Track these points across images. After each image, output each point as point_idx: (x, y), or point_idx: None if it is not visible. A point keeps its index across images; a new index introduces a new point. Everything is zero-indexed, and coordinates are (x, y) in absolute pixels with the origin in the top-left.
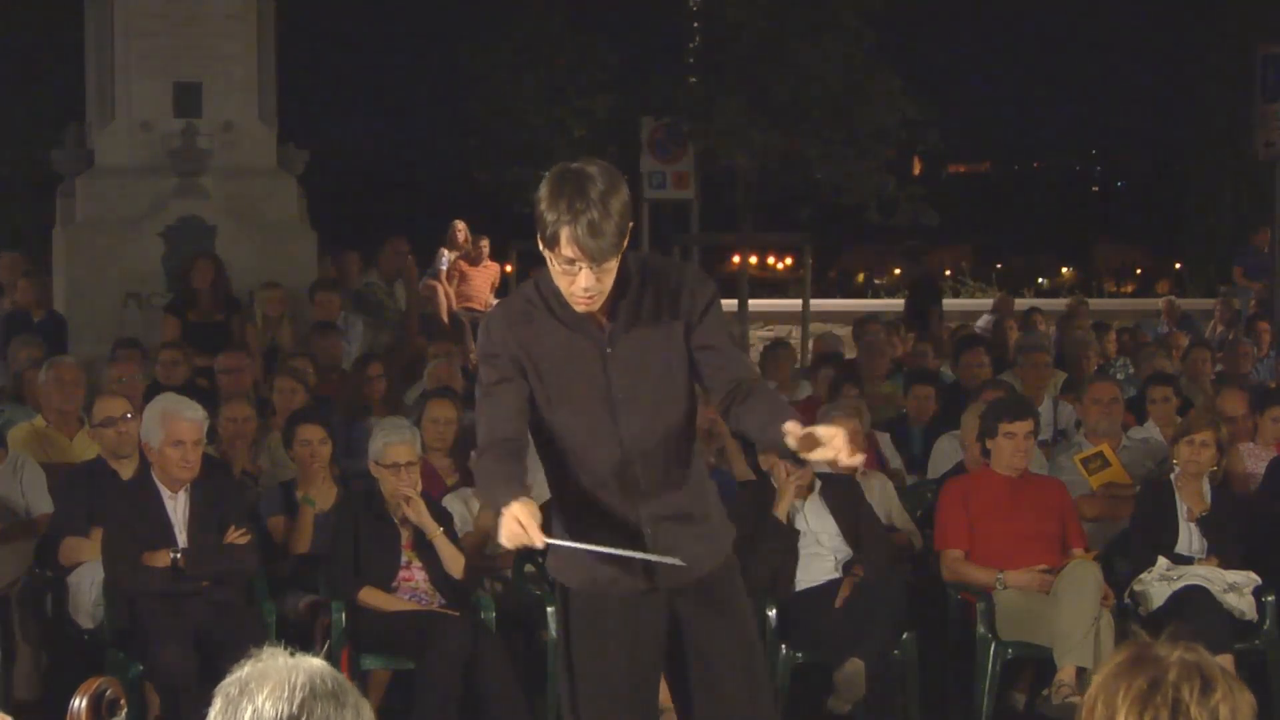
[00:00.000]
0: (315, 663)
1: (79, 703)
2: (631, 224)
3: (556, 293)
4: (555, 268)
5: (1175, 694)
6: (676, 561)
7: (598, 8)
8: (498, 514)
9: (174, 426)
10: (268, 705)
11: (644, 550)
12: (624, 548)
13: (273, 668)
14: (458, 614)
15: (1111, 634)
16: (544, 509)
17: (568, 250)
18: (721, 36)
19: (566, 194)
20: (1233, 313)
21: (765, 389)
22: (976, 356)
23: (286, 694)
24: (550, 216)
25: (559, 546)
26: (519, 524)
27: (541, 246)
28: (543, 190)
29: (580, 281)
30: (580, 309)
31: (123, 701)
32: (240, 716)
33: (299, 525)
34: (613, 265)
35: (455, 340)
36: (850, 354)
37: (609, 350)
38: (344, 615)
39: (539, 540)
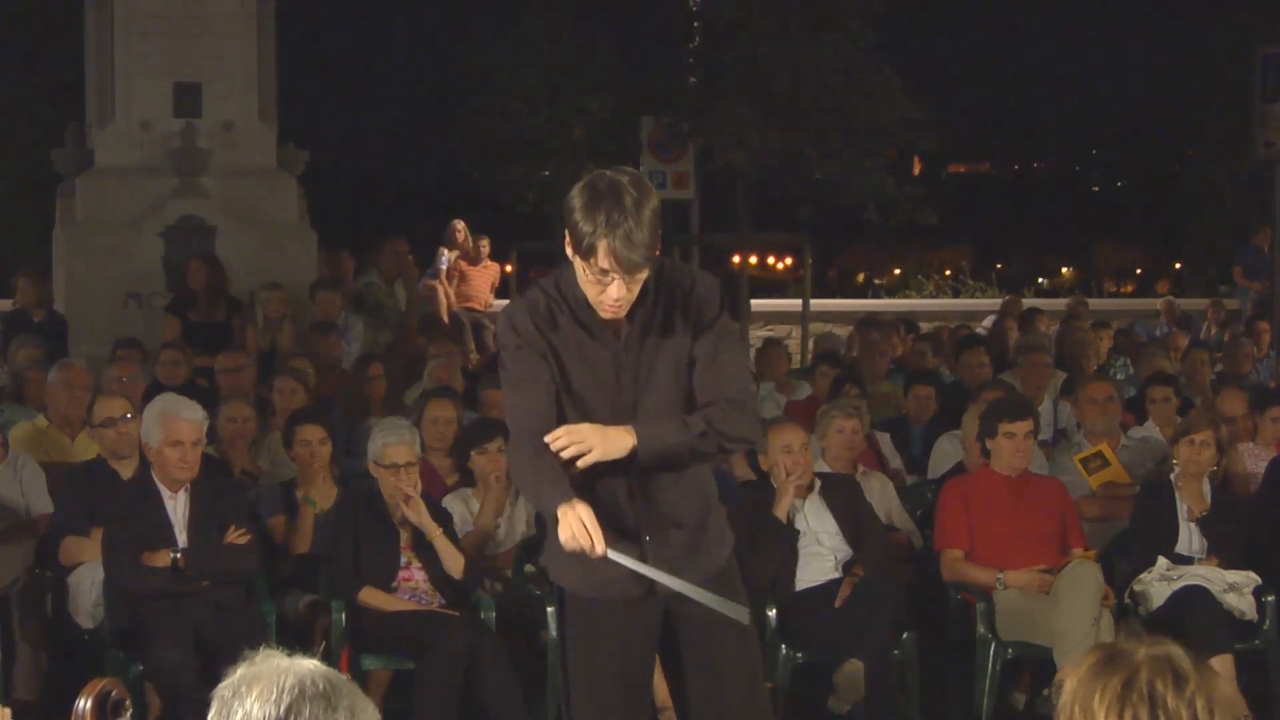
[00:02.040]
0: (308, 664)
1: (84, 703)
2: (660, 231)
3: (579, 297)
4: (586, 276)
5: (1150, 690)
6: (739, 612)
7: (598, 7)
8: (549, 512)
9: (172, 427)
10: (256, 707)
11: (706, 592)
12: (638, 555)
13: (265, 670)
14: (458, 614)
15: (1111, 634)
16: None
17: (604, 262)
18: (721, 36)
19: (604, 206)
20: (1226, 314)
21: (717, 406)
22: (976, 356)
23: (274, 696)
24: (587, 228)
25: (617, 560)
26: (584, 525)
27: (572, 254)
28: (577, 200)
29: (612, 292)
30: (607, 316)
31: (127, 703)
32: (232, 718)
33: (299, 525)
34: (643, 275)
35: (455, 340)
36: (851, 354)
37: (622, 358)
38: (344, 615)
39: (600, 548)
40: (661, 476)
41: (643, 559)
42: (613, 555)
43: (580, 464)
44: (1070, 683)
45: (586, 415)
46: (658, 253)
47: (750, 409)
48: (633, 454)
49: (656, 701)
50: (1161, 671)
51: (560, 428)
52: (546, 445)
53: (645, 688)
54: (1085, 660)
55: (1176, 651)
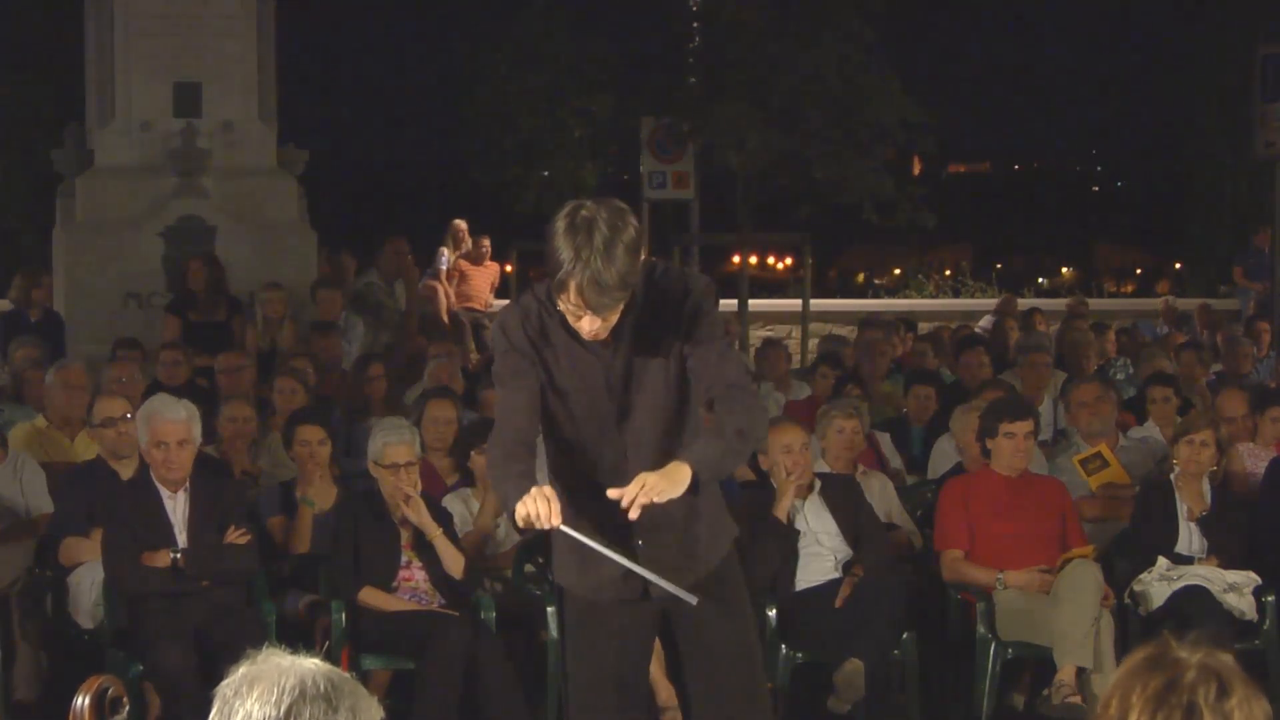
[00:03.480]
0: (310, 664)
1: (81, 701)
2: (641, 259)
3: None
4: (563, 305)
5: (1190, 696)
6: (687, 596)
7: (598, 8)
8: (509, 510)
9: (156, 427)
10: (256, 708)
11: (653, 571)
12: (628, 557)
13: (266, 670)
14: (458, 614)
15: (1111, 634)
16: None
17: (574, 299)
18: (721, 36)
19: (576, 243)
20: (1213, 316)
21: (729, 403)
22: (976, 356)
23: (274, 697)
24: (560, 260)
25: (568, 536)
26: (538, 498)
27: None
28: (557, 227)
29: (584, 325)
30: (586, 339)
31: (125, 700)
32: (233, 718)
33: (299, 525)
34: (619, 308)
35: (455, 340)
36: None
37: (612, 365)
38: (344, 615)
39: (555, 519)
40: None
41: (634, 561)
42: (564, 529)
43: (657, 499)
44: (1120, 671)
45: (577, 420)
46: (648, 261)
47: (756, 396)
48: (693, 480)
49: (659, 701)
50: (1206, 681)
51: (628, 488)
52: (516, 446)
53: (641, 686)
54: (1140, 652)
55: (1230, 665)
